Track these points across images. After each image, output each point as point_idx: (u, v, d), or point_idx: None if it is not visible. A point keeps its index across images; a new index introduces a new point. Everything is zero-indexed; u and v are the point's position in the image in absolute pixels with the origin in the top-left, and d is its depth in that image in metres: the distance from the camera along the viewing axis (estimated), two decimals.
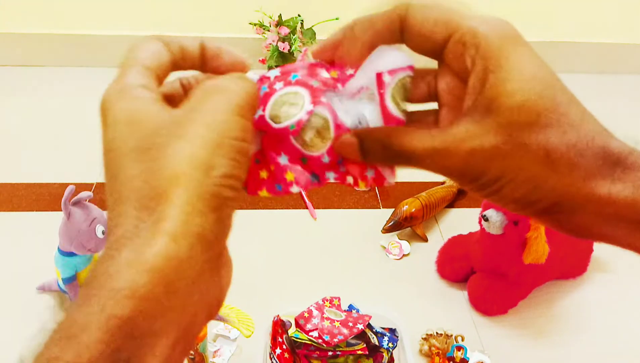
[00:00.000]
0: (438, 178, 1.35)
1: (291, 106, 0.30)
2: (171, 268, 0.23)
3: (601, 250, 1.14)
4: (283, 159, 0.31)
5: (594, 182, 0.26)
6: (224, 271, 0.27)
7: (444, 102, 0.30)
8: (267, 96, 0.31)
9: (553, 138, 0.26)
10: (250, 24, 1.67)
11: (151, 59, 0.28)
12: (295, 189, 0.31)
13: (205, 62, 0.30)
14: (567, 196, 0.26)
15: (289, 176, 0.31)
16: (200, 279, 0.24)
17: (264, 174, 0.31)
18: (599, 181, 0.26)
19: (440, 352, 0.93)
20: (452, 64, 0.28)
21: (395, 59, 0.29)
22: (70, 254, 0.91)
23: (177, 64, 0.30)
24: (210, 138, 0.25)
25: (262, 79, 0.32)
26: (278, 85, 0.31)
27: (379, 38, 0.29)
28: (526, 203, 0.27)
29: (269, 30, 1.65)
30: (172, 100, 0.30)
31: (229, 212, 0.26)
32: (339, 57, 0.30)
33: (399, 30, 0.28)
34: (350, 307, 0.88)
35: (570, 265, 1.09)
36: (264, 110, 0.30)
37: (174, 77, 0.31)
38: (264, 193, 0.32)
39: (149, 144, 0.25)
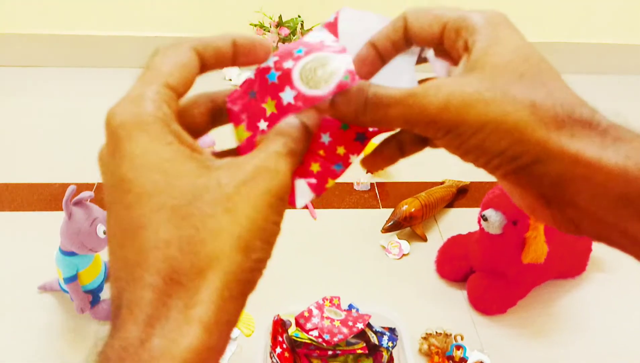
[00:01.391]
0: (437, 177, 1.35)
1: (324, 66, 0.29)
2: (202, 360, 0.22)
3: (600, 250, 1.14)
4: (326, 138, 0.30)
5: (583, 143, 0.25)
6: None
7: None
8: (286, 76, 0.30)
9: (538, 93, 0.25)
10: (250, 24, 1.67)
11: (177, 73, 0.26)
12: (354, 158, 0.31)
13: (237, 58, 0.29)
14: (553, 152, 0.25)
15: (341, 150, 0.30)
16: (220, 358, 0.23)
17: (315, 167, 0.30)
18: (588, 144, 0.24)
19: (440, 351, 0.94)
20: (451, 53, 0.29)
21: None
22: (72, 254, 0.91)
23: (209, 67, 0.28)
24: (256, 221, 0.23)
25: (261, 71, 0.31)
26: (289, 63, 0.30)
27: (393, 46, 0.30)
28: (509, 157, 0.25)
29: (269, 31, 1.65)
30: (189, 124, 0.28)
31: (250, 294, 0.25)
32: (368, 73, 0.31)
33: (403, 35, 0.30)
34: (350, 306, 0.88)
35: (569, 265, 1.09)
36: (292, 87, 0.29)
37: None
38: (330, 183, 0.31)
39: (191, 209, 0.23)
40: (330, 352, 0.81)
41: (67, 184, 0.87)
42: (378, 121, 0.28)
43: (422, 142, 0.31)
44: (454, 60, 0.29)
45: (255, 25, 1.66)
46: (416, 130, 0.27)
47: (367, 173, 1.26)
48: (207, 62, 0.28)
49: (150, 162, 0.23)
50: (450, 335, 0.97)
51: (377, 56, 0.30)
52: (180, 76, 0.26)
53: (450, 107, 0.25)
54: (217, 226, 0.23)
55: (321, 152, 0.30)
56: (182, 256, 0.22)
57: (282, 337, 0.82)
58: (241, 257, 0.23)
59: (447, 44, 0.29)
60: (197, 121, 0.30)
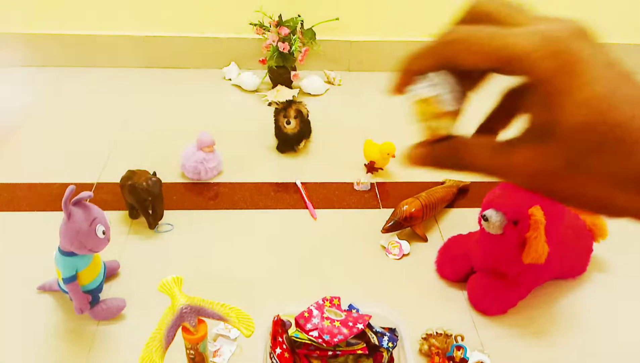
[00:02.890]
0: (438, 178, 1.35)
1: None
2: None
3: (601, 250, 1.14)
4: None
5: None
6: None
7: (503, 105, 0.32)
8: None
9: (617, 161, 0.25)
10: (250, 24, 1.67)
11: None
12: None
13: None
14: None
15: None
16: None
17: None
18: None
19: (440, 351, 0.94)
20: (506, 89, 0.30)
21: None
22: (71, 254, 0.91)
23: None
24: None
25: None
26: None
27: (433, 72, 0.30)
28: (599, 212, 0.27)
29: (269, 31, 1.65)
30: None
31: None
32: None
33: (450, 66, 0.29)
34: (350, 307, 0.88)
35: (569, 265, 1.09)
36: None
37: None
38: None
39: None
40: (330, 353, 0.81)
41: (67, 184, 0.87)
42: (476, 175, 0.30)
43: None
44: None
45: (255, 25, 1.66)
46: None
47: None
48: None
49: None
50: (451, 335, 0.97)
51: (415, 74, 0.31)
52: None
53: (536, 183, 0.27)
54: None
55: None
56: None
57: (282, 337, 0.81)
58: None
59: (504, 74, 0.28)
60: None
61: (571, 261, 1.08)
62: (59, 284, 0.98)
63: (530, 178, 0.27)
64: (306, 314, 0.82)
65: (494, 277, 1.03)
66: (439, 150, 0.31)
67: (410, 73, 0.30)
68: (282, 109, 1.38)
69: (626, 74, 0.26)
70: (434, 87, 0.30)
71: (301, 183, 1.34)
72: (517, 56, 0.26)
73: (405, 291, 1.08)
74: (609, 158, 0.25)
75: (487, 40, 0.27)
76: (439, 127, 0.30)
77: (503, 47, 0.26)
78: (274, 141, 1.46)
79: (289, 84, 1.71)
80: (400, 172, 1.39)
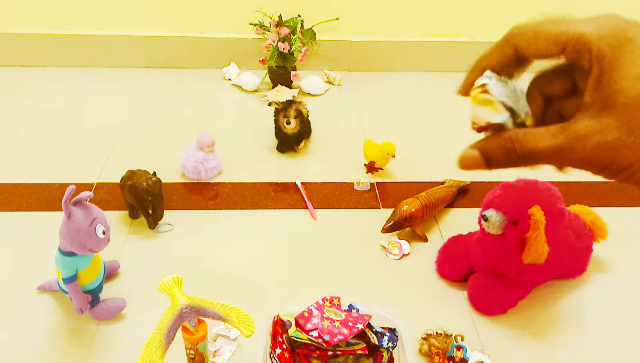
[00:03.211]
0: (438, 178, 1.35)
1: None
2: None
3: (601, 250, 1.14)
4: None
5: None
6: None
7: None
8: None
9: None
10: (250, 24, 1.67)
11: None
12: None
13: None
14: None
15: None
16: None
17: None
18: None
19: (440, 351, 0.94)
20: (573, 69, 0.31)
21: None
22: (71, 254, 0.91)
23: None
24: None
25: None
26: None
27: (502, 67, 0.32)
28: None
29: (269, 31, 1.65)
30: None
31: None
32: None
33: (517, 60, 0.31)
34: (350, 307, 0.88)
35: (569, 265, 1.09)
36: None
37: None
38: None
39: None
40: (330, 353, 0.81)
41: (67, 184, 0.87)
42: (532, 166, 0.31)
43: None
44: (578, 70, 0.31)
45: (255, 25, 1.66)
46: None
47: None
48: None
49: None
50: (451, 335, 0.97)
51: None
52: None
53: (599, 156, 0.28)
54: None
55: None
56: None
57: (282, 337, 0.81)
58: None
59: (569, 62, 0.30)
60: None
61: (571, 261, 1.08)
62: (59, 284, 0.98)
63: (593, 151, 0.28)
64: (306, 314, 0.82)
65: (494, 277, 1.03)
66: (493, 144, 0.31)
67: (480, 69, 0.32)
68: (282, 109, 1.38)
69: None
70: (494, 83, 0.31)
71: (301, 183, 1.34)
72: (581, 36, 0.29)
73: (405, 291, 1.08)
74: None
75: (552, 27, 0.30)
76: (493, 119, 0.31)
77: (566, 32, 0.29)
78: (274, 141, 1.46)
79: (289, 84, 1.71)
80: (400, 172, 1.39)
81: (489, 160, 0.31)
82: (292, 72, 1.69)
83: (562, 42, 0.29)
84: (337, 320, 0.81)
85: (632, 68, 0.27)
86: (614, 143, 0.28)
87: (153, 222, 1.17)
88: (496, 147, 0.31)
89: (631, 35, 0.28)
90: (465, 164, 0.32)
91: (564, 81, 0.33)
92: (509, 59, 0.31)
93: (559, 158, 0.29)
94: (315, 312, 0.82)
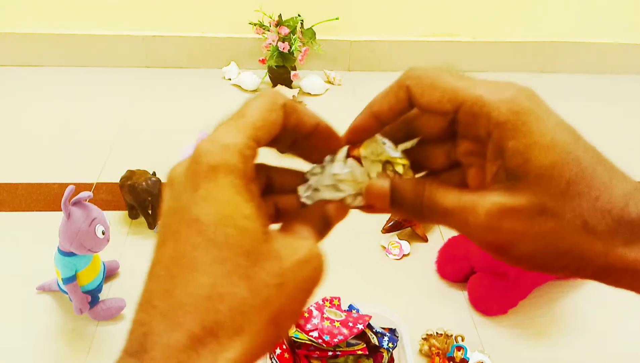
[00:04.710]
0: None
1: None
2: None
3: None
4: None
5: (636, 249, 0.25)
6: None
7: (467, 164, 0.30)
8: None
9: (586, 205, 0.25)
10: (250, 23, 1.67)
11: (265, 129, 0.26)
12: None
13: (314, 136, 0.29)
14: (612, 264, 0.26)
15: None
16: None
17: None
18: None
19: (440, 352, 0.93)
20: (466, 133, 0.28)
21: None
22: (70, 254, 0.91)
23: (288, 128, 0.28)
24: (296, 302, 0.25)
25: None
26: None
27: (396, 114, 0.29)
28: (572, 271, 0.27)
29: (269, 30, 1.65)
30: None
31: None
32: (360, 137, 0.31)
33: (407, 105, 0.29)
34: (350, 307, 0.88)
35: None
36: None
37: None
38: None
39: (250, 272, 0.24)
40: (330, 353, 0.81)
41: (66, 184, 0.86)
42: (433, 222, 0.29)
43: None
44: (467, 136, 0.28)
45: (255, 25, 1.66)
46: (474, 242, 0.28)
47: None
48: (288, 124, 0.28)
49: (229, 213, 0.24)
50: (451, 335, 0.97)
51: (378, 125, 0.30)
52: (267, 132, 0.26)
53: (503, 233, 0.26)
54: (268, 297, 0.24)
55: None
56: (229, 313, 0.23)
57: None
58: (276, 332, 0.24)
59: (462, 125, 0.28)
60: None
61: None
62: (58, 284, 0.98)
63: (499, 221, 0.26)
64: (306, 314, 0.82)
65: (494, 277, 1.03)
66: (407, 184, 0.29)
67: (371, 113, 0.30)
68: None
69: (577, 131, 0.26)
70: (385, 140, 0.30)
71: None
72: (479, 98, 0.26)
73: (406, 291, 1.08)
74: (578, 200, 0.25)
75: (450, 81, 0.27)
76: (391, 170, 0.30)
77: (464, 90, 0.26)
78: None
79: (288, 84, 1.70)
80: None
81: (395, 198, 0.29)
82: (292, 72, 1.69)
83: (458, 100, 0.26)
84: (337, 321, 0.81)
85: (542, 137, 0.25)
86: (524, 217, 0.25)
87: (153, 222, 1.17)
88: (408, 188, 0.28)
89: (533, 103, 0.26)
90: (371, 194, 0.29)
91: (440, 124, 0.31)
92: (401, 104, 0.28)
93: (460, 226, 0.27)
94: (315, 312, 0.82)
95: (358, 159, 0.30)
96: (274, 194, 0.31)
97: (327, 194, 0.30)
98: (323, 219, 0.30)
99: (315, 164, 0.31)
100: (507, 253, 0.27)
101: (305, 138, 0.29)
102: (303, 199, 0.31)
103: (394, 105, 0.29)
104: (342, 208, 0.30)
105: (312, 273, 0.26)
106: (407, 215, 0.29)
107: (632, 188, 0.26)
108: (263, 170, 0.30)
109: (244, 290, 0.23)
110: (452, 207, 0.27)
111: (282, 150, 0.31)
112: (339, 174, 0.30)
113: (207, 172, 0.24)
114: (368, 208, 0.31)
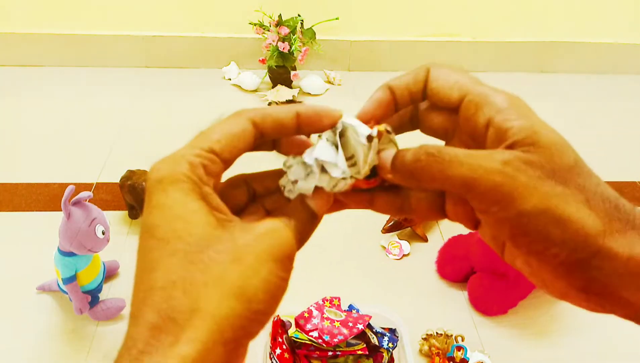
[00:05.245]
0: None
1: None
2: None
3: None
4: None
5: (631, 239, 0.26)
6: None
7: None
8: None
9: (590, 185, 0.26)
10: (250, 23, 1.67)
11: (224, 141, 0.28)
12: None
13: (302, 128, 0.30)
14: (608, 249, 0.25)
15: None
16: None
17: None
18: (635, 241, 0.26)
19: (440, 352, 0.93)
20: (465, 125, 0.29)
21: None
22: (70, 254, 0.91)
23: (268, 136, 0.30)
24: (261, 273, 0.25)
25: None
26: None
27: (410, 96, 0.30)
28: (570, 248, 0.25)
29: (269, 30, 1.65)
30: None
31: (248, 343, 0.26)
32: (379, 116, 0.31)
33: (423, 89, 0.30)
34: (350, 307, 0.88)
35: None
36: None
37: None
38: None
39: (201, 255, 0.24)
40: (330, 353, 0.81)
41: (66, 184, 0.86)
42: (434, 180, 0.27)
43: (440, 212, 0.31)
44: (465, 130, 0.29)
45: (255, 25, 1.66)
46: (473, 201, 0.27)
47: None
48: (266, 131, 0.29)
49: (176, 212, 0.25)
50: (451, 335, 0.97)
51: (393, 102, 0.31)
52: (227, 144, 0.28)
53: (516, 182, 0.25)
54: (222, 273, 0.24)
55: None
56: (183, 296, 0.24)
57: (281, 337, 0.81)
58: (239, 305, 0.24)
59: (463, 114, 0.29)
60: (238, 198, 0.32)
61: None
62: (58, 284, 0.98)
63: (514, 170, 0.25)
64: (306, 314, 0.82)
65: (494, 277, 1.03)
66: (406, 150, 0.29)
67: (388, 88, 0.31)
68: None
69: None
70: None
71: None
72: (484, 92, 0.28)
73: (405, 291, 1.08)
74: (582, 179, 0.26)
75: (465, 76, 0.29)
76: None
77: (474, 84, 0.29)
78: None
79: (288, 84, 1.70)
80: None
81: (395, 162, 0.29)
82: (292, 72, 1.69)
83: (464, 91, 0.29)
84: (337, 321, 0.81)
85: (542, 127, 0.26)
86: (535, 179, 0.25)
87: None
88: (409, 151, 0.28)
89: (528, 106, 0.28)
90: (381, 162, 0.29)
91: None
92: (418, 86, 0.30)
93: (469, 173, 0.26)
94: (315, 312, 0.82)
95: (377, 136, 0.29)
96: (262, 198, 0.32)
97: (304, 185, 0.30)
98: (306, 211, 0.30)
99: (288, 156, 0.31)
100: (511, 205, 0.25)
101: (296, 131, 0.30)
102: (286, 194, 0.31)
103: (411, 84, 0.30)
104: (324, 196, 0.30)
105: (272, 243, 0.26)
106: (405, 179, 0.28)
107: (617, 195, 0.27)
108: (241, 181, 0.32)
109: (195, 272, 0.24)
110: (462, 156, 0.26)
111: (280, 150, 0.32)
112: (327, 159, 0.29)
113: (156, 184, 0.26)
114: (352, 194, 0.31)
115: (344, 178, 0.29)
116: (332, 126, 0.30)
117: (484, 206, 0.26)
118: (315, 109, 0.30)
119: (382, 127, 0.29)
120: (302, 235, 0.30)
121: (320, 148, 0.29)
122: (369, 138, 0.29)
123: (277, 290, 0.26)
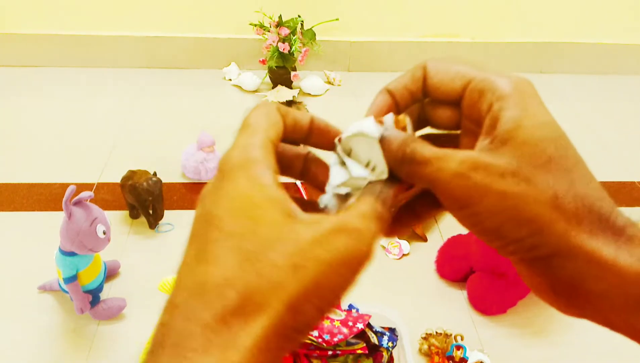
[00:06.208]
0: None
1: None
2: None
3: None
4: None
5: (600, 241, 0.25)
6: None
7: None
8: None
9: (562, 183, 0.25)
10: (250, 24, 1.67)
11: (272, 130, 0.27)
12: None
13: (312, 134, 0.30)
14: (571, 249, 0.25)
15: None
16: None
17: None
18: (605, 244, 0.25)
19: (440, 351, 0.94)
20: (469, 114, 0.29)
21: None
22: (71, 254, 0.91)
23: (287, 136, 0.29)
24: (319, 285, 0.23)
25: None
26: None
27: (410, 96, 0.30)
28: (527, 246, 0.26)
29: (269, 31, 1.65)
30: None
31: (291, 349, 0.25)
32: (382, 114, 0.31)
33: (422, 86, 0.30)
34: (350, 307, 0.88)
35: None
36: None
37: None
38: None
39: (261, 256, 0.23)
40: (330, 352, 0.81)
41: (67, 184, 0.87)
42: (410, 176, 0.28)
43: (436, 206, 0.31)
44: (470, 119, 0.29)
45: (255, 25, 1.66)
46: (440, 197, 0.27)
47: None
48: (287, 127, 0.29)
49: (243, 206, 0.24)
50: (451, 335, 0.97)
51: (394, 104, 0.30)
52: (275, 132, 0.28)
53: (470, 183, 0.25)
54: (278, 278, 0.23)
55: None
56: (238, 298, 0.23)
57: None
58: (289, 315, 0.23)
59: (467, 102, 0.28)
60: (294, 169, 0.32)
61: None
62: (59, 284, 0.98)
63: (469, 171, 0.25)
64: None
65: (493, 277, 1.03)
66: (397, 137, 0.28)
67: (386, 91, 0.30)
68: None
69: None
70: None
71: (301, 183, 1.34)
72: (487, 77, 0.28)
73: (405, 291, 1.08)
74: (554, 176, 0.25)
75: (465, 64, 0.29)
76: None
77: (476, 70, 0.28)
78: None
79: (289, 84, 1.71)
80: None
81: (383, 145, 0.28)
82: (292, 73, 1.69)
83: (467, 78, 0.28)
84: (337, 320, 0.81)
85: (534, 115, 0.26)
86: (498, 174, 0.25)
87: (153, 222, 1.18)
88: (398, 139, 0.28)
89: (534, 90, 0.27)
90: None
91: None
92: (416, 84, 0.30)
93: (434, 174, 0.26)
94: None
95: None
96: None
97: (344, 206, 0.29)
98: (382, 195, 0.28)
99: (320, 197, 0.30)
100: (468, 206, 0.26)
101: (305, 137, 0.30)
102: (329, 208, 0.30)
103: (409, 84, 0.30)
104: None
105: (340, 249, 0.24)
106: (393, 164, 0.28)
107: (604, 195, 0.26)
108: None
109: (253, 274, 0.23)
110: (429, 156, 0.26)
111: (308, 143, 0.32)
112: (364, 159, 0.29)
113: (226, 174, 0.26)
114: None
115: (370, 181, 0.28)
116: (331, 145, 0.30)
117: (447, 206, 0.27)
118: (325, 122, 0.31)
119: (402, 116, 0.29)
120: (384, 223, 0.27)
121: (333, 176, 0.29)
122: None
123: (327, 306, 0.24)
